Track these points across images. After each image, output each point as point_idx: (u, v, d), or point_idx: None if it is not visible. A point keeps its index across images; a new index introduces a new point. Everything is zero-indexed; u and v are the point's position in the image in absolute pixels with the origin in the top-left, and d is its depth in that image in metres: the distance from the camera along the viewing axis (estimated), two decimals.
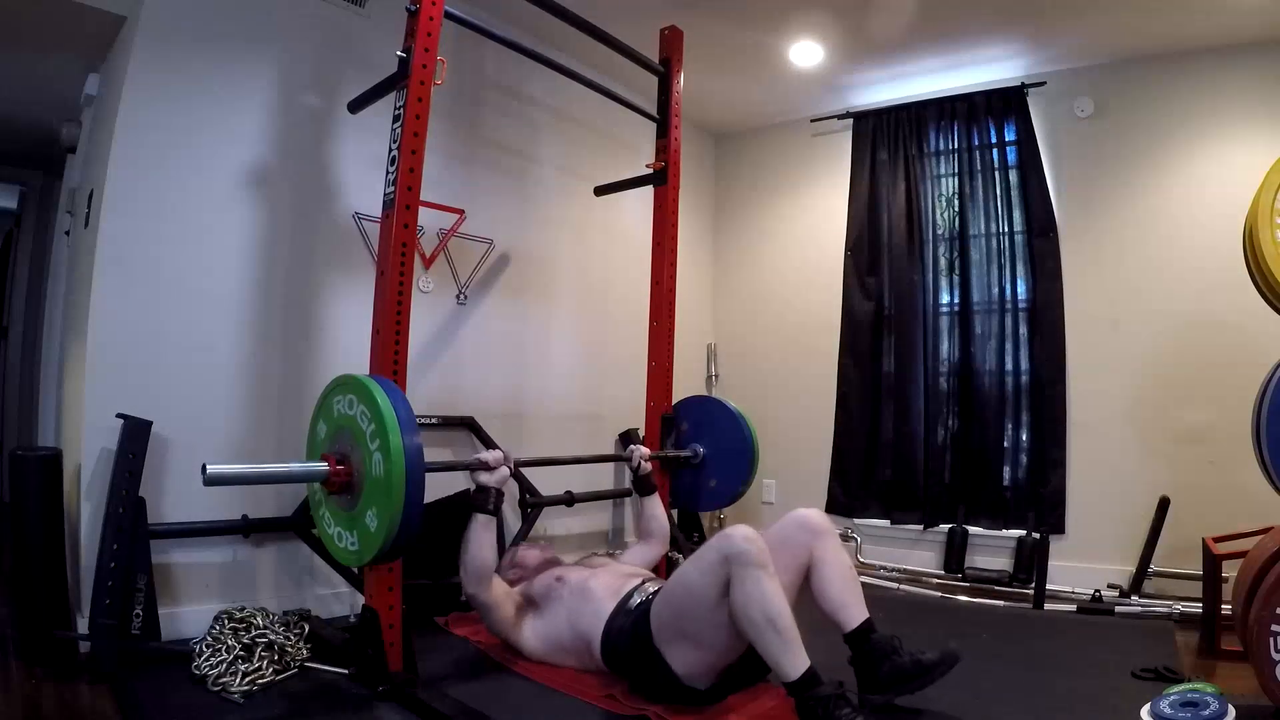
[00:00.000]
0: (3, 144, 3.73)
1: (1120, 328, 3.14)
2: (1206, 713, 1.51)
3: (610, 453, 3.30)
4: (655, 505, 2.52)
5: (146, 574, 1.91)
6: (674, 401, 3.02)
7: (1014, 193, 3.37)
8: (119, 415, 1.94)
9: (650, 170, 2.99)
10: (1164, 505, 2.83)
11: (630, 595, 1.82)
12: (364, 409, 1.65)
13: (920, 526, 3.42)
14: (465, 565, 1.87)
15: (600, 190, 3.18)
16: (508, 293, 3.05)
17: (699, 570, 1.61)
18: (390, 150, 1.95)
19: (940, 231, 3.58)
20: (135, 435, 1.92)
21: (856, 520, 3.58)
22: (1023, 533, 3.17)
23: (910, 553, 3.44)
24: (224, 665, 1.76)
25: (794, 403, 3.84)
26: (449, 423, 2.73)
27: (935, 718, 1.67)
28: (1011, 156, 3.41)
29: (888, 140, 3.66)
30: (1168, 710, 1.55)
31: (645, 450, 2.58)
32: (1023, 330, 3.34)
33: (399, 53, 1.95)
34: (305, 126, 2.46)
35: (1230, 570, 2.25)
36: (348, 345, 2.38)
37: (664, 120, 2.98)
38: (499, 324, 3.01)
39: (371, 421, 1.62)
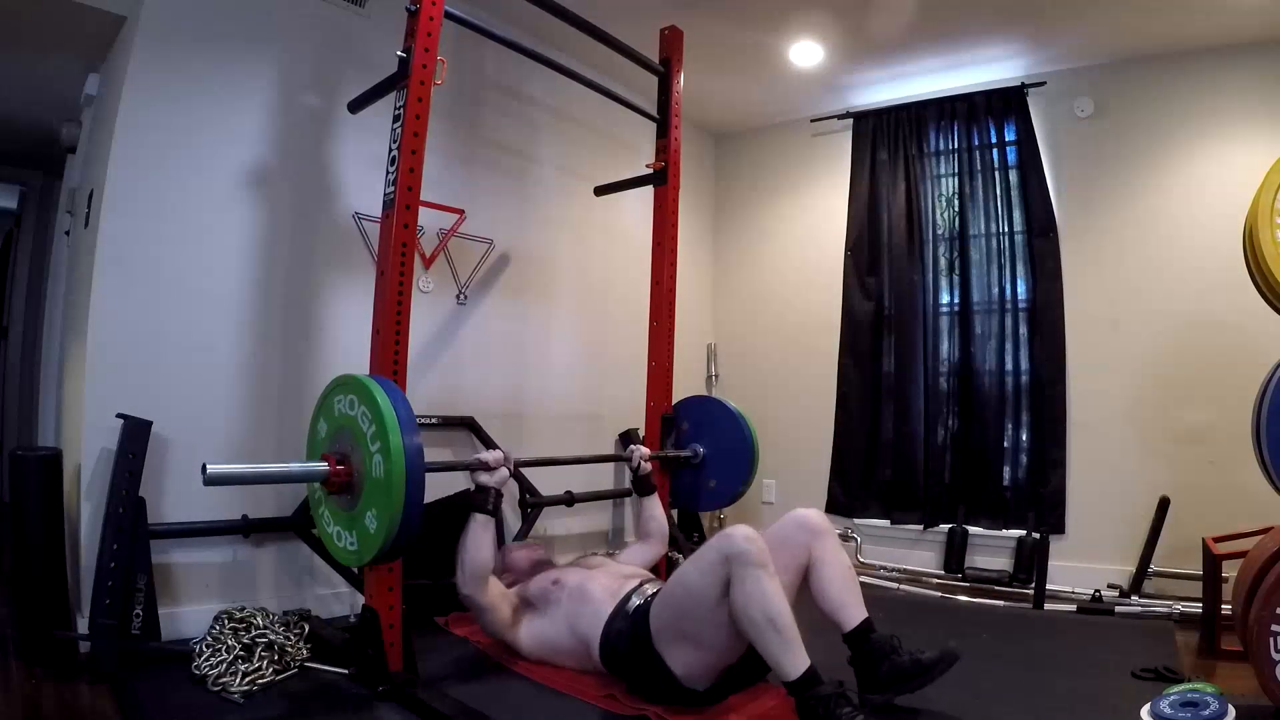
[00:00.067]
0: (3, 144, 3.73)
1: (1120, 328, 3.14)
2: (1206, 713, 1.51)
3: (610, 453, 3.30)
4: (654, 506, 2.52)
5: (146, 574, 1.91)
6: (674, 401, 3.02)
7: (1014, 193, 3.37)
8: (119, 415, 1.94)
9: (650, 170, 2.99)
10: (1164, 505, 2.84)
11: (629, 597, 1.81)
12: (364, 409, 1.65)
13: (920, 526, 3.42)
14: (462, 565, 1.87)
15: (600, 190, 3.18)
16: (508, 293, 3.05)
17: (699, 570, 1.61)
18: (390, 150, 1.95)
19: (940, 231, 3.58)
20: (135, 435, 1.92)
21: (856, 520, 3.58)
22: (1023, 533, 3.17)
23: (910, 553, 3.44)
24: (224, 665, 1.76)
25: (794, 403, 3.84)
26: (449, 423, 2.73)
27: (935, 717, 1.67)
28: (1011, 156, 3.41)
29: (888, 140, 3.66)
30: (1168, 710, 1.55)
31: (645, 450, 2.58)
32: (1023, 330, 3.34)
33: (399, 53, 1.96)
34: (305, 126, 2.46)
35: (1230, 570, 2.25)
36: (348, 345, 2.38)
37: (664, 120, 2.98)
38: (499, 324, 3.01)
39: (372, 422, 1.62)
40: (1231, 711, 1.52)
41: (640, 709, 1.66)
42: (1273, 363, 1.89)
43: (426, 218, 2.56)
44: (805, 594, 1.80)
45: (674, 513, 3.10)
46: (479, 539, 1.88)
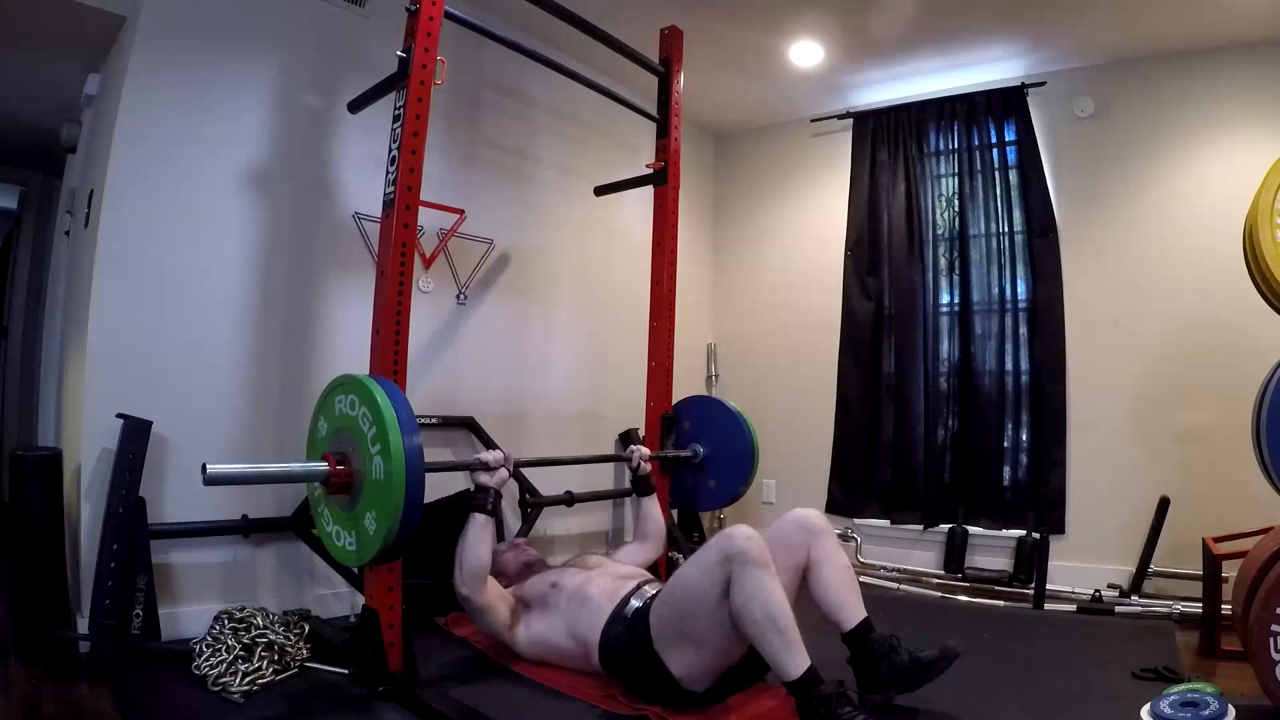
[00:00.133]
0: (3, 144, 3.73)
1: (1120, 328, 3.14)
2: (1206, 713, 1.51)
3: (610, 453, 3.30)
4: (653, 506, 2.51)
5: (146, 574, 1.91)
6: (674, 401, 3.03)
7: (1014, 193, 3.37)
8: (119, 415, 1.94)
9: (650, 170, 2.99)
10: (1164, 505, 2.84)
11: (627, 599, 1.81)
12: (365, 410, 1.65)
13: (920, 526, 3.42)
14: (461, 565, 1.86)
15: (600, 190, 3.18)
16: (508, 293, 3.05)
17: (700, 570, 1.61)
18: (390, 150, 1.95)
19: (940, 231, 3.58)
20: (135, 435, 1.92)
21: (856, 520, 3.58)
22: (1023, 533, 3.17)
23: (910, 553, 3.43)
24: (224, 665, 1.76)
25: (794, 403, 3.84)
26: (449, 423, 2.73)
27: (935, 717, 1.67)
28: (1011, 156, 3.41)
29: (888, 140, 3.66)
30: (1168, 710, 1.55)
31: (645, 450, 2.57)
32: (1023, 330, 3.34)
33: (399, 53, 1.96)
34: (305, 126, 2.46)
35: (1230, 570, 2.24)
36: (348, 345, 2.38)
37: (664, 120, 2.98)
38: (499, 324, 3.01)
39: (373, 423, 1.62)
40: (1231, 711, 1.52)
41: (640, 709, 1.66)
42: (1273, 363, 1.89)
43: (426, 218, 2.56)
44: (805, 594, 1.80)
45: (674, 513, 3.10)
46: (478, 539, 1.88)
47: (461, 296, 2.88)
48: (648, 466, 2.54)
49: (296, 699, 1.73)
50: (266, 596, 2.24)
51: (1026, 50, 3.23)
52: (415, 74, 1.92)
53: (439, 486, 2.34)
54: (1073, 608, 2.76)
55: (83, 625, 1.90)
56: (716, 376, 4.18)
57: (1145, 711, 1.58)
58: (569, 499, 2.93)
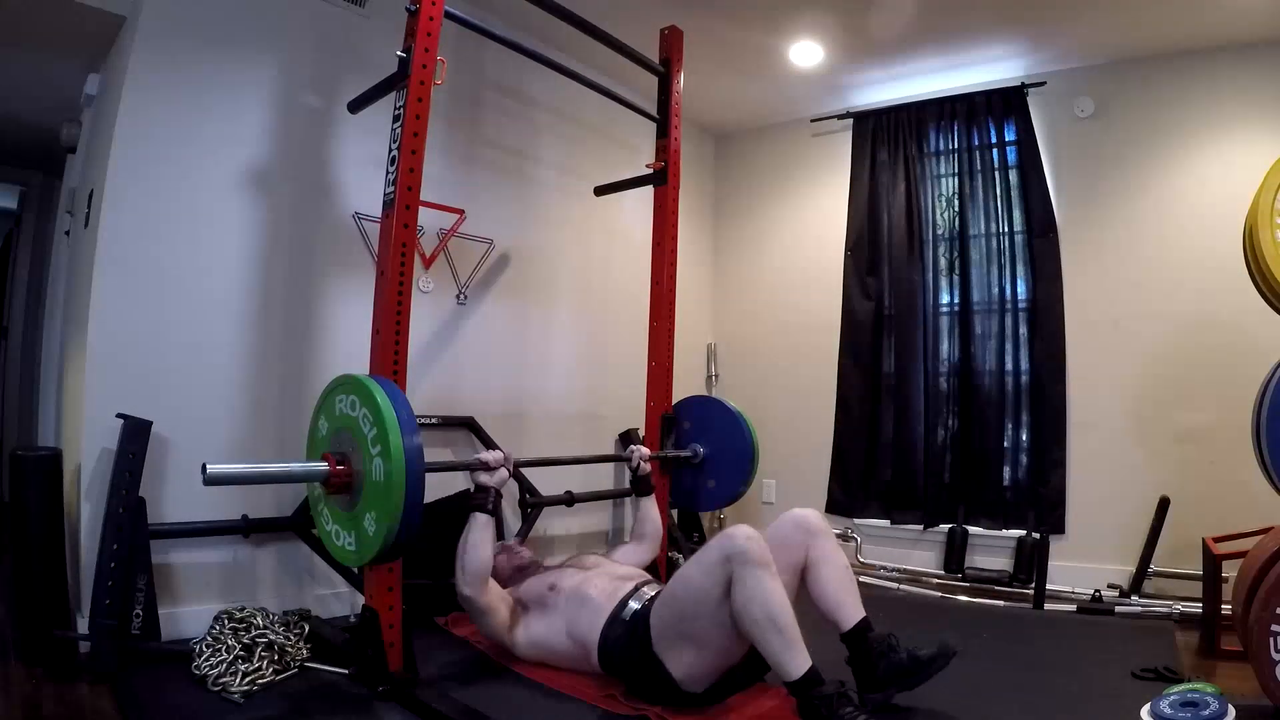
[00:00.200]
0: (3, 144, 3.73)
1: (1120, 328, 3.14)
2: (1206, 713, 1.51)
3: (610, 453, 3.30)
4: (651, 507, 2.52)
5: (146, 574, 1.91)
6: (674, 401, 3.02)
7: (1014, 193, 3.38)
8: (119, 415, 1.94)
9: (650, 170, 2.99)
10: (1164, 505, 2.84)
11: (626, 600, 1.80)
12: (365, 410, 1.65)
13: (920, 526, 3.42)
14: (462, 565, 1.86)
15: (600, 190, 3.18)
16: (508, 293, 3.05)
17: (701, 570, 1.61)
18: (390, 150, 1.95)
19: (940, 231, 3.58)
20: (135, 435, 1.92)
21: (856, 520, 3.58)
22: (1023, 533, 3.17)
23: (910, 553, 3.43)
24: (224, 665, 1.76)
25: (794, 403, 3.84)
26: (449, 423, 2.73)
27: (935, 717, 1.68)
28: (1011, 156, 3.42)
29: (888, 140, 3.66)
30: (1168, 710, 1.55)
31: (645, 450, 2.58)
32: (1023, 330, 3.34)
33: (399, 53, 1.96)
34: (305, 126, 2.46)
35: (1230, 570, 2.25)
36: (348, 345, 2.38)
37: (664, 120, 2.98)
38: (499, 324, 3.01)
39: (373, 424, 1.62)
40: (1231, 711, 1.52)
41: (640, 710, 1.66)
42: (1273, 363, 1.89)
43: (426, 218, 2.56)
44: (804, 594, 1.80)
45: (674, 513, 3.10)
46: (479, 539, 1.88)
47: (461, 296, 2.88)
48: (647, 466, 2.54)
49: (296, 699, 1.73)
50: (266, 596, 2.24)
51: (1026, 50, 3.23)
52: (415, 74, 1.92)
53: (439, 486, 2.35)
54: (1073, 608, 2.76)
55: (83, 625, 1.90)
56: (716, 376, 4.18)
57: (1145, 711, 1.58)
58: (569, 499, 2.93)
